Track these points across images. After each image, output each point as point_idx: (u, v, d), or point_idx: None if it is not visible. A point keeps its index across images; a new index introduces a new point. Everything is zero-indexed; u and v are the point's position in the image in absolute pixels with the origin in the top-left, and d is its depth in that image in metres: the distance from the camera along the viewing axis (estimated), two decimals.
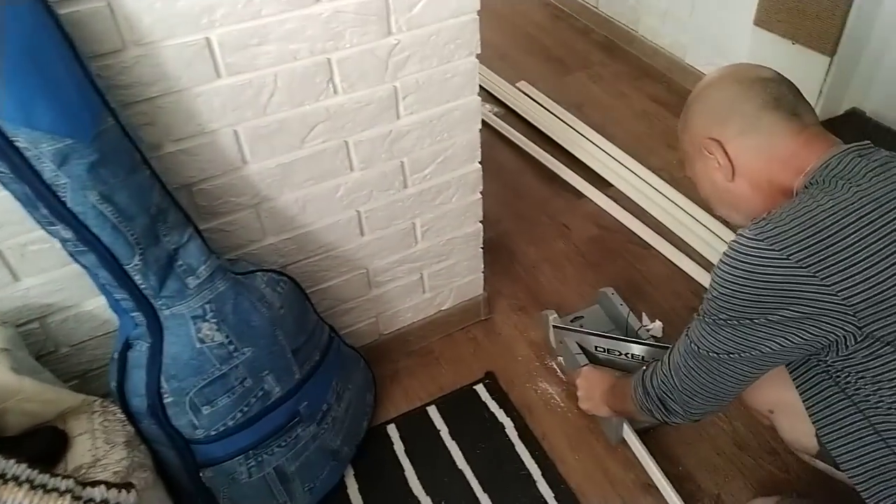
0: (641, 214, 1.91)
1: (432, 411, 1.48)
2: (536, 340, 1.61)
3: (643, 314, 1.63)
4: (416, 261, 1.43)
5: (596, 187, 2.00)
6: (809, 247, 0.82)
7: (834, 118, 1.74)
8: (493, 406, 1.49)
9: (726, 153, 0.97)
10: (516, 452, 1.40)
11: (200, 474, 1.08)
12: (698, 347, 0.96)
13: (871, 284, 0.80)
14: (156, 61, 0.92)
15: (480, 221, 1.47)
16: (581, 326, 1.59)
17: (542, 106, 2.36)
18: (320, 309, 1.37)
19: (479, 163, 1.36)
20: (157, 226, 0.94)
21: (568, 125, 2.25)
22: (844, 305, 0.81)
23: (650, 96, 2.42)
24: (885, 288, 0.80)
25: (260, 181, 1.12)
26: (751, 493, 1.31)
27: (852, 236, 0.81)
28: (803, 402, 0.97)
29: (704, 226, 1.85)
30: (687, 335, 0.99)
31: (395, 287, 1.45)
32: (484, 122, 2.27)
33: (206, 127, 1.02)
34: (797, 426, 1.29)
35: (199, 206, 1.09)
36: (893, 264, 0.80)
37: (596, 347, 1.45)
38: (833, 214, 0.83)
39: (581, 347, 1.46)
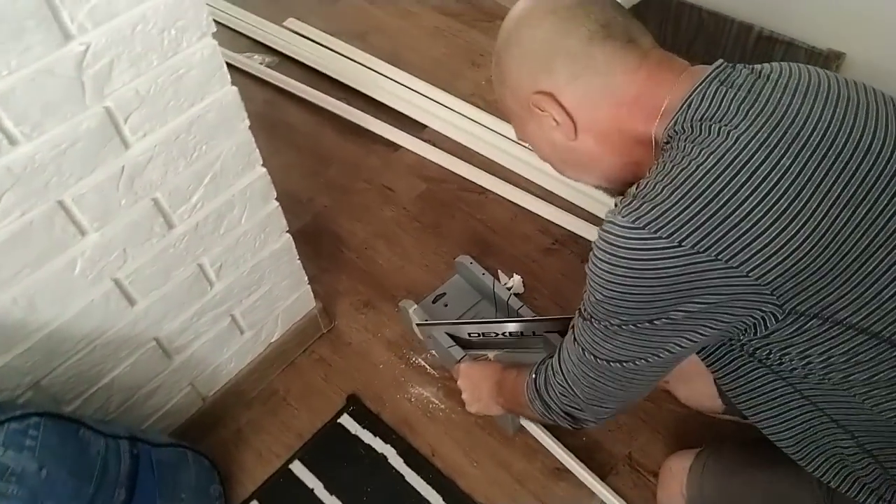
0: (465, 154, 1.69)
1: (297, 468, 1.22)
2: (394, 338, 1.37)
3: (499, 271, 1.44)
4: (220, 304, 1.11)
5: (409, 132, 1.74)
6: (702, 224, 0.63)
7: (636, 4, 1.60)
8: (366, 437, 1.25)
9: (562, 107, 0.75)
10: (408, 483, 1.19)
11: None
12: (594, 356, 0.77)
13: (785, 255, 0.63)
14: None
15: (287, 231, 1.16)
16: (445, 306, 1.38)
17: (319, 44, 2.01)
18: (111, 408, 1.04)
19: (262, 165, 1.04)
20: None
21: (355, 62, 1.93)
22: (759, 286, 0.64)
23: (439, 9, 2.14)
24: (801, 255, 0.63)
25: None
26: (660, 442, 1.21)
27: (750, 199, 0.63)
28: (715, 376, 0.83)
29: (522, 145, 1.66)
30: (576, 340, 0.79)
31: (203, 343, 1.13)
32: (258, 79, 1.91)
33: None
34: (697, 389, 1.18)
35: None
36: (803, 223, 0.63)
37: (469, 334, 1.25)
38: (719, 176, 0.64)
39: (453, 337, 1.25)
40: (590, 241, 1.50)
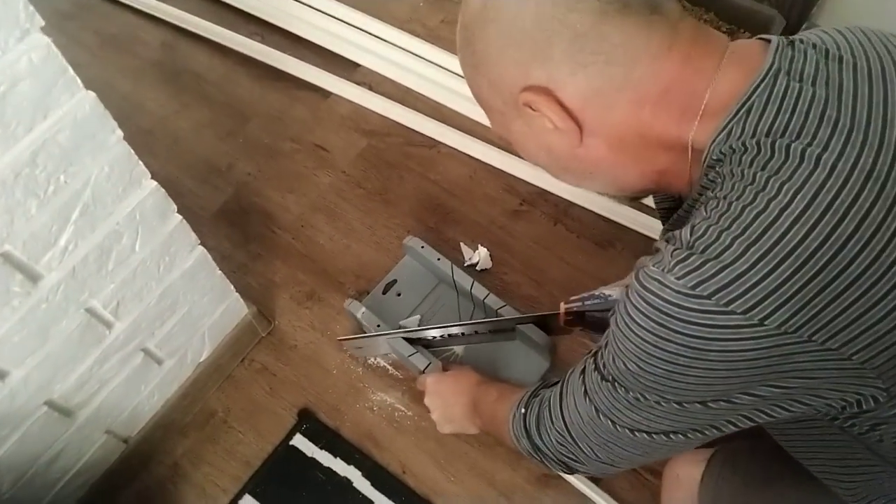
0: (409, 98, 1.44)
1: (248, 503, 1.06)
2: (346, 334, 1.19)
3: (461, 244, 1.25)
4: (126, 344, 0.90)
5: (339, 75, 1.47)
6: (792, 298, 0.46)
7: None
8: (324, 458, 1.09)
9: (563, 107, 0.55)
10: None
11: None
12: (613, 422, 0.60)
13: None
14: None
15: (199, 244, 0.93)
16: (398, 295, 1.19)
17: None
18: (2, 489, 0.84)
19: (152, 178, 0.80)
20: None
21: None
22: (864, 370, 0.49)
23: None
24: None
25: None
26: None
27: (857, 262, 0.45)
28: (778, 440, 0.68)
29: None
30: (587, 395, 0.62)
31: (112, 389, 0.93)
32: (152, 17, 1.58)
33: None
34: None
35: None
36: None
37: (433, 338, 1.08)
38: (813, 228, 0.46)
39: (409, 341, 1.07)
40: (563, 199, 1.34)
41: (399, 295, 1.19)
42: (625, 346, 0.53)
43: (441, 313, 1.17)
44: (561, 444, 0.70)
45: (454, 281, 1.13)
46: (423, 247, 1.16)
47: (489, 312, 1.13)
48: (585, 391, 0.63)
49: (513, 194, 1.31)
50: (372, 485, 1.07)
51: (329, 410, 1.13)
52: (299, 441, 1.10)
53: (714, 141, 0.51)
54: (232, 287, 1.05)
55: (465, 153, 1.35)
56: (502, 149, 1.34)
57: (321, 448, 1.10)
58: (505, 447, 1.07)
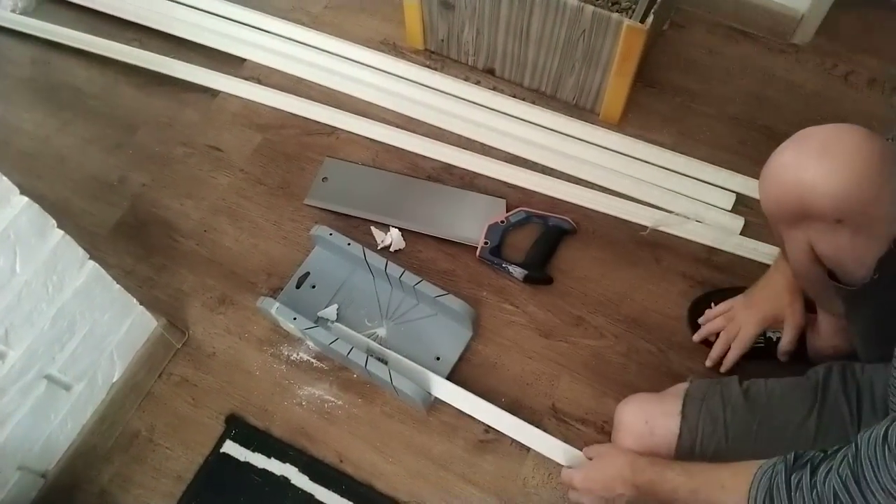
0: (301, 88, 1.41)
1: None
2: (265, 335, 1.16)
3: (372, 228, 1.25)
4: (24, 373, 0.85)
5: (226, 72, 1.43)
6: None
7: None
8: (258, 460, 1.07)
9: None
10: (320, 502, 1.04)
11: None
12: None
13: None
14: None
15: (90, 259, 0.89)
16: (313, 287, 1.17)
17: None
18: None
19: (22, 194, 0.76)
20: None
21: None
22: None
23: None
24: None
25: None
26: (580, 383, 1.11)
27: None
28: None
29: (379, 69, 1.42)
30: None
31: (17, 422, 0.88)
32: (18, 33, 1.50)
33: None
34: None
35: None
36: None
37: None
38: None
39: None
40: (469, 170, 1.34)
41: (314, 287, 1.18)
42: None
43: (359, 299, 1.16)
44: None
45: (367, 264, 1.13)
46: (331, 234, 1.15)
47: (406, 289, 1.13)
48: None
49: (417, 171, 1.31)
50: (310, 479, 1.05)
51: (257, 412, 1.10)
52: (230, 447, 1.08)
53: None
54: (135, 301, 1.01)
55: (364, 136, 1.34)
56: (400, 127, 1.34)
57: (253, 451, 1.07)
58: (439, 419, 1.08)
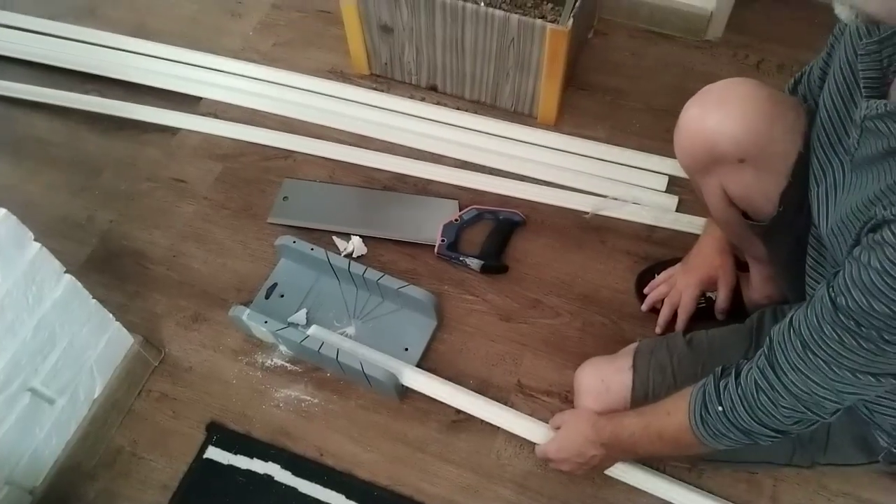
0: (256, 118, 1.50)
1: None
2: (238, 346, 1.21)
3: (334, 238, 1.32)
4: (8, 384, 0.89)
5: (184, 110, 1.51)
6: None
7: None
8: (241, 462, 1.10)
9: None
10: (304, 495, 1.07)
11: None
12: (852, 372, 0.64)
13: None
14: None
15: (66, 272, 0.95)
16: (282, 296, 1.23)
17: (39, 33, 1.66)
18: None
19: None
20: None
21: (92, 44, 1.62)
22: None
23: None
24: None
25: None
26: (543, 359, 1.18)
27: None
28: None
29: (329, 95, 1.51)
30: (819, 352, 0.65)
31: (4, 433, 0.91)
32: None
33: None
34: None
35: None
36: None
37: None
38: None
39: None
40: (421, 178, 1.43)
41: (282, 296, 1.24)
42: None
43: (327, 303, 1.22)
44: (792, 411, 0.70)
45: (331, 266, 1.19)
46: (294, 242, 1.21)
47: (370, 285, 1.19)
48: (812, 350, 0.65)
49: (373, 183, 1.39)
50: (293, 474, 1.09)
51: (237, 418, 1.14)
52: (213, 452, 1.11)
53: None
54: (111, 316, 1.06)
55: (320, 156, 1.42)
56: (353, 144, 1.42)
57: (236, 454, 1.11)
58: (412, 406, 1.14)
